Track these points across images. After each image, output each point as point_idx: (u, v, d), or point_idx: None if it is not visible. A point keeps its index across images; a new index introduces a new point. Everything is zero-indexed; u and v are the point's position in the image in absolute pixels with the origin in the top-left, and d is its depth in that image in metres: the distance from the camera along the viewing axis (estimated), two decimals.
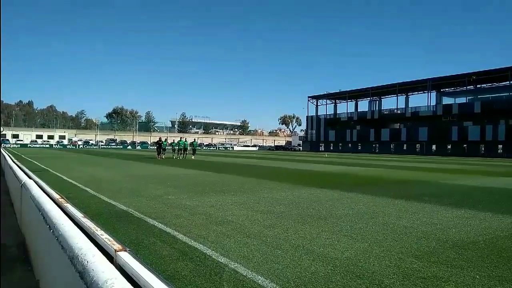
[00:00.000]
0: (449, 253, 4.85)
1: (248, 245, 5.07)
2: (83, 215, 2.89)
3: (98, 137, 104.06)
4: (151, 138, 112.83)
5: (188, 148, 33.16)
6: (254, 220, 6.73)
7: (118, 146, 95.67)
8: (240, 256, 4.55)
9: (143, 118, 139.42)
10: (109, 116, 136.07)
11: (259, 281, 3.75)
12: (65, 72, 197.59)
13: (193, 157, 32.36)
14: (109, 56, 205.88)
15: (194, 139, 38.04)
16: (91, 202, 8.56)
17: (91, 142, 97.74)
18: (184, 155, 32.27)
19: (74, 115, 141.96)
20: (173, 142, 32.75)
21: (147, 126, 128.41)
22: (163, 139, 32.67)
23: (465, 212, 7.93)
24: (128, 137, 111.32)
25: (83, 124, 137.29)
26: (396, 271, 4.13)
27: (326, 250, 4.91)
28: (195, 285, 3.63)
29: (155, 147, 33.76)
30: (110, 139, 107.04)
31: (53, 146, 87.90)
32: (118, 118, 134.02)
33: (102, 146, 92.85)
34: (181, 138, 34.82)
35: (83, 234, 2.24)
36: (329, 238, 5.54)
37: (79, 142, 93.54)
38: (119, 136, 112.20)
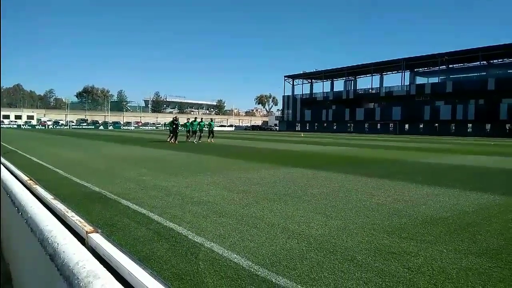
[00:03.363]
0: (419, 229, 5.03)
1: (224, 224, 5.10)
2: (53, 197, 2.81)
3: (68, 117, 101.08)
4: (124, 118, 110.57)
5: (204, 129, 28.94)
6: (230, 200, 6.75)
7: (89, 126, 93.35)
8: (216, 236, 4.57)
9: (115, 98, 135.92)
10: (79, 95, 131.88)
11: (235, 259, 3.79)
12: (32, 49, 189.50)
13: (212, 140, 27.79)
14: (78, 33, 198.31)
15: (212, 119, 32.11)
16: (62, 183, 8.36)
17: (61, 122, 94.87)
18: (199, 138, 27.76)
19: (42, 94, 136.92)
20: (187, 123, 27.85)
21: (119, 105, 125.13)
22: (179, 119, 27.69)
23: (435, 189, 8.21)
24: (99, 117, 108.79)
25: (52, 104, 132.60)
26: (368, 247, 4.25)
27: (301, 227, 4.99)
28: (170, 265, 3.63)
29: (169, 128, 27.96)
30: (81, 119, 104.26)
31: (21, 126, 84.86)
32: (89, 97, 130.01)
33: (73, 126, 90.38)
34: (195, 118, 29.54)
35: (53, 216, 2.18)
36: (304, 216, 5.63)
37: (49, 123, 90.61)
38: (90, 116, 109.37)
